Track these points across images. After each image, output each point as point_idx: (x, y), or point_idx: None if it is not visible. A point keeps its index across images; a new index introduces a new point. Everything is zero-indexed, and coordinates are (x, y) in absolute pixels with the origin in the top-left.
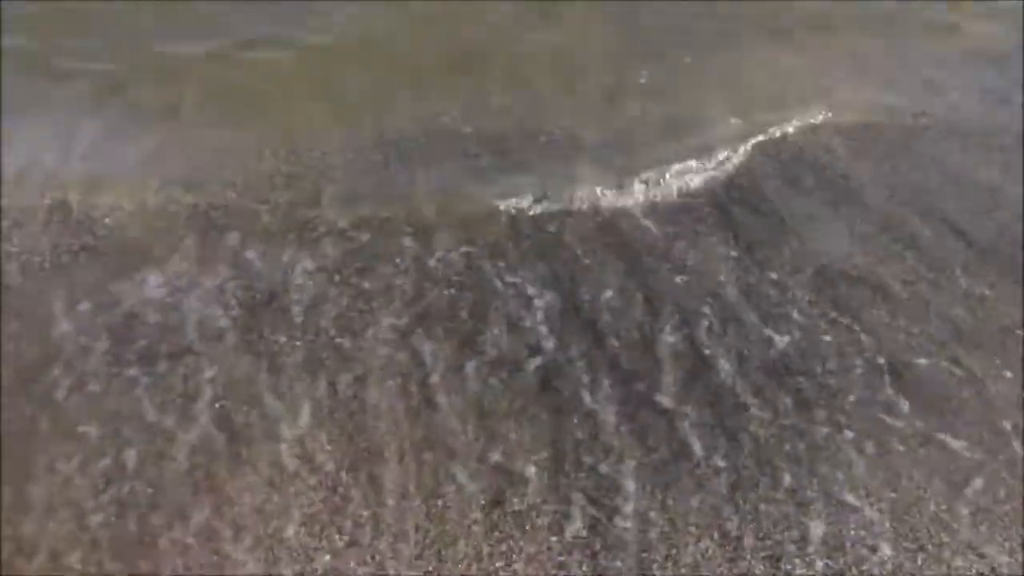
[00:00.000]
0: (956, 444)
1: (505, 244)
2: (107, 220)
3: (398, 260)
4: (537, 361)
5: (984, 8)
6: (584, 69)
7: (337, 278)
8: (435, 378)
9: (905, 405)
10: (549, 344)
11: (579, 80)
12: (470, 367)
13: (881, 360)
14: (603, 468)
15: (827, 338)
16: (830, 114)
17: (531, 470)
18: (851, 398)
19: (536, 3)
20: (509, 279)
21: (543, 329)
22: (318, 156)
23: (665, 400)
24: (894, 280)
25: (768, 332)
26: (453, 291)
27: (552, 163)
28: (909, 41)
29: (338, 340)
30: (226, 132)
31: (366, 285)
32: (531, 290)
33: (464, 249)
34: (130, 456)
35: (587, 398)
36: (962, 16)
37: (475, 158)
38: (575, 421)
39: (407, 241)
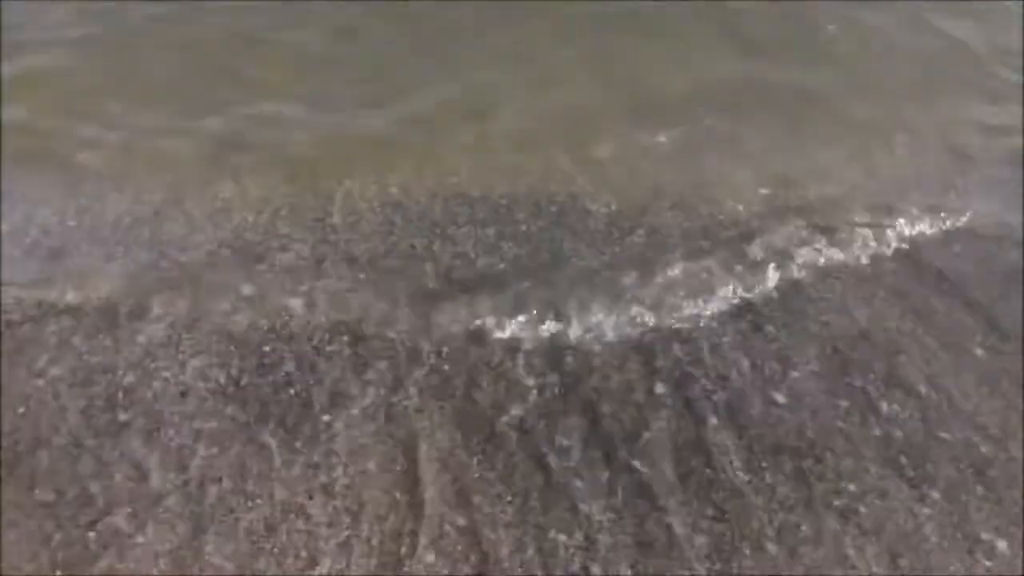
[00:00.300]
0: (990, 544)
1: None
2: (97, 279)
3: (393, 334)
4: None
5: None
6: (597, 129)
7: (330, 346)
8: (421, 456)
9: (920, 498)
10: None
11: (592, 142)
12: (458, 446)
13: (895, 448)
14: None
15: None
16: (847, 193)
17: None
18: (864, 487)
19: (545, 62)
20: (508, 353)
21: (536, 408)
22: (319, 217)
23: (658, 487)
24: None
25: (775, 412)
26: (448, 366)
27: (561, 231)
28: (912, 110)
29: (325, 416)
30: (225, 191)
31: (360, 352)
32: (525, 369)
33: (465, 320)
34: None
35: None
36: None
37: (482, 226)
38: (560, 503)
39: (405, 309)
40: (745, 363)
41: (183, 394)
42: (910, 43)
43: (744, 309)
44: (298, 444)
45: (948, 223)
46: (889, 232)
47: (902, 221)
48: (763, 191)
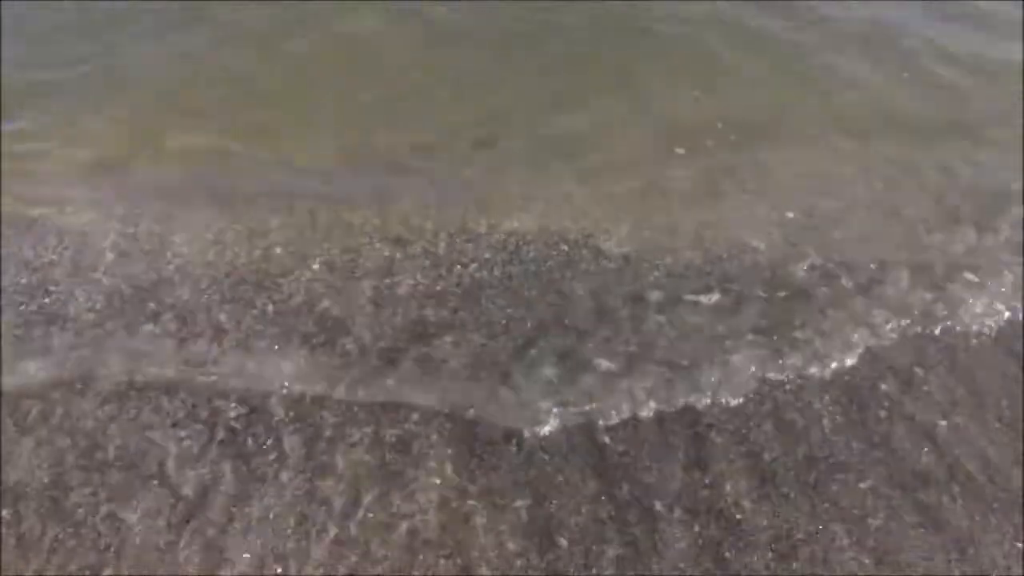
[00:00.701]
0: None
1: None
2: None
3: (394, 389)
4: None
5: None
6: (612, 160)
7: (313, 417)
8: (425, 525)
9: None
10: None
11: (606, 173)
12: (471, 514)
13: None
14: None
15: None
16: (873, 232)
17: None
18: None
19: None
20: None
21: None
22: (316, 254)
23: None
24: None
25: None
26: (453, 427)
27: (572, 272)
28: (942, 145)
29: (321, 483)
30: (217, 224)
31: (357, 419)
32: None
33: (470, 375)
34: None
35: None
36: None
37: (489, 266)
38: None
39: (408, 365)
40: (769, 415)
41: (165, 452)
42: (940, 77)
43: (767, 356)
44: (289, 523)
45: (978, 267)
46: (917, 273)
47: (930, 262)
48: (785, 229)
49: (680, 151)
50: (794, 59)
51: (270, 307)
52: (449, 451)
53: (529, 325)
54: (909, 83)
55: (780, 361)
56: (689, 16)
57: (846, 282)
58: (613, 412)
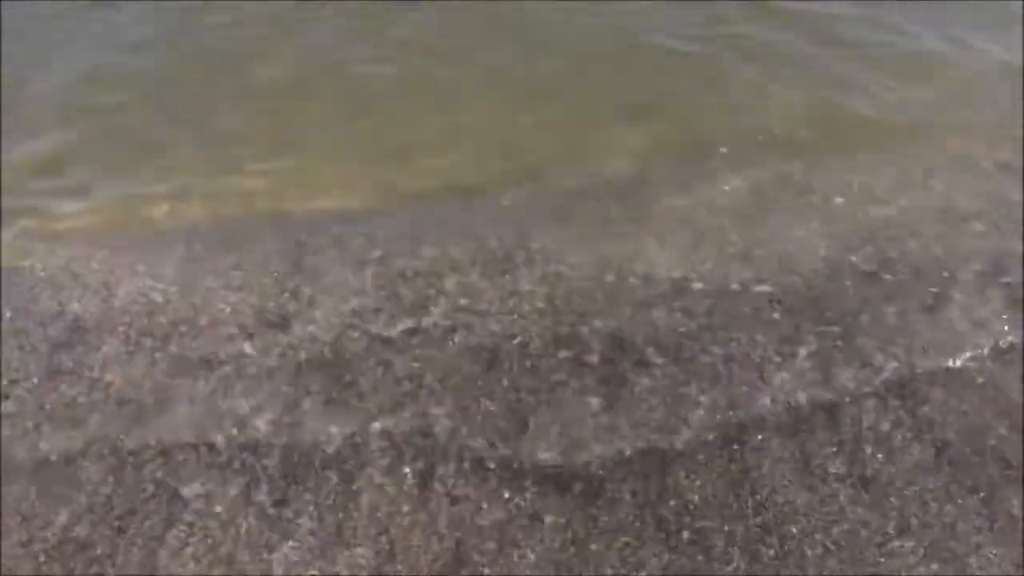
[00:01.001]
0: None
1: None
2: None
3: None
4: None
5: None
6: (652, 178)
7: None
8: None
9: None
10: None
11: (646, 193)
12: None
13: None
14: None
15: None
16: (934, 250)
17: None
18: None
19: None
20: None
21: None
22: (355, 290)
23: None
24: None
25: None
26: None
27: (616, 302)
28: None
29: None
30: (245, 260)
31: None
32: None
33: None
34: None
35: None
36: None
37: (529, 298)
38: None
39: (446, 403)
40: (831, 430)
41: (205, 506)
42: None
43: (828, 372)
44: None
45: None
46: (986, 283)
47: (996, 289)
48: (839, 247)
49: (721, 156)
50: (791, 62)
51: (303, 354)
52: (495, 487)
53: (573, 356)
54: (925, 86)
55: (841, 376)
56: (689, 29)
57: (913, 291)
58: (667, 438)
